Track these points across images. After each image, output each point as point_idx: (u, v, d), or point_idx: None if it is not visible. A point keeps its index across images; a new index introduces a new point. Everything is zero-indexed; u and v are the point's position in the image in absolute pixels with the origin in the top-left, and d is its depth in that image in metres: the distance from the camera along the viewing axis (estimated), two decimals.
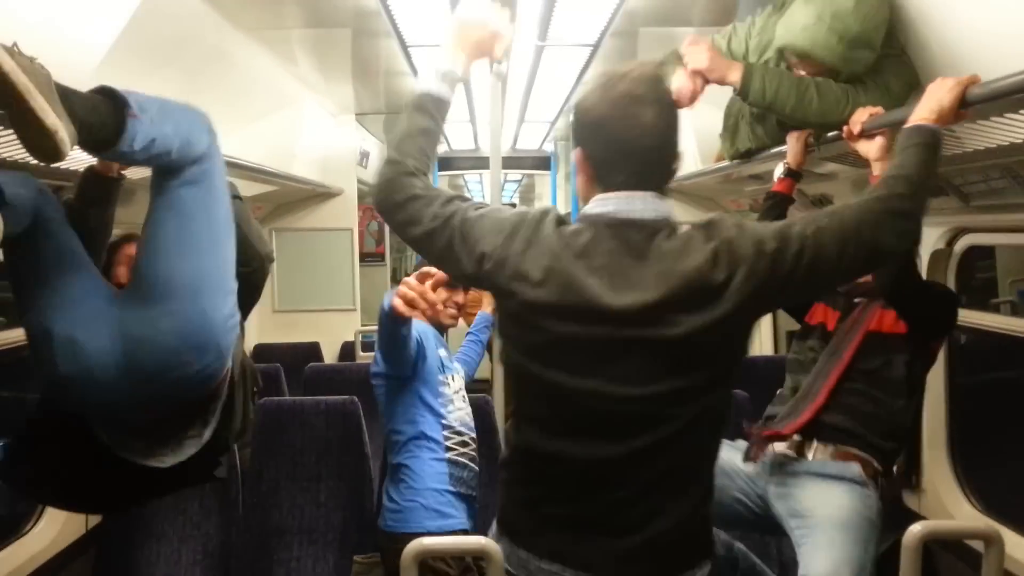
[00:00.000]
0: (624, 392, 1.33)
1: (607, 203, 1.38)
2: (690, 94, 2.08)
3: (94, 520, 2.62)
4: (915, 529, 1.19)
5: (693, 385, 1.34)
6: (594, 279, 1.32)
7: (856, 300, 2.28)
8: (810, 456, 2.12)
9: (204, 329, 1.78)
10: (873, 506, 2.04)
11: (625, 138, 1.37)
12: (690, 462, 1.39)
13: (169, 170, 1.75)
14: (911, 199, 1.43)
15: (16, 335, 2.57)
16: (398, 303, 2.01)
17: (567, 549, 1.38)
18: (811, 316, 2.37)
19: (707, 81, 2.08)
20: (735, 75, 2.04)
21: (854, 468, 2.08)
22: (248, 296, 2.14)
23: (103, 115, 1.59)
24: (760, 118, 2.38)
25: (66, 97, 1.50)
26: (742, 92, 2.05)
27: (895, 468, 2.20)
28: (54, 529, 2.46)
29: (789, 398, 2.26)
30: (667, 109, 1.40)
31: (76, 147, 1.50)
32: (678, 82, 2.09)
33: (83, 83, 2.05)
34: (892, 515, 2.49)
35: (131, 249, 2.15)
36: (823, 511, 2.01)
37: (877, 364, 2.15)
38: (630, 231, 1.35)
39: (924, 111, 1.57)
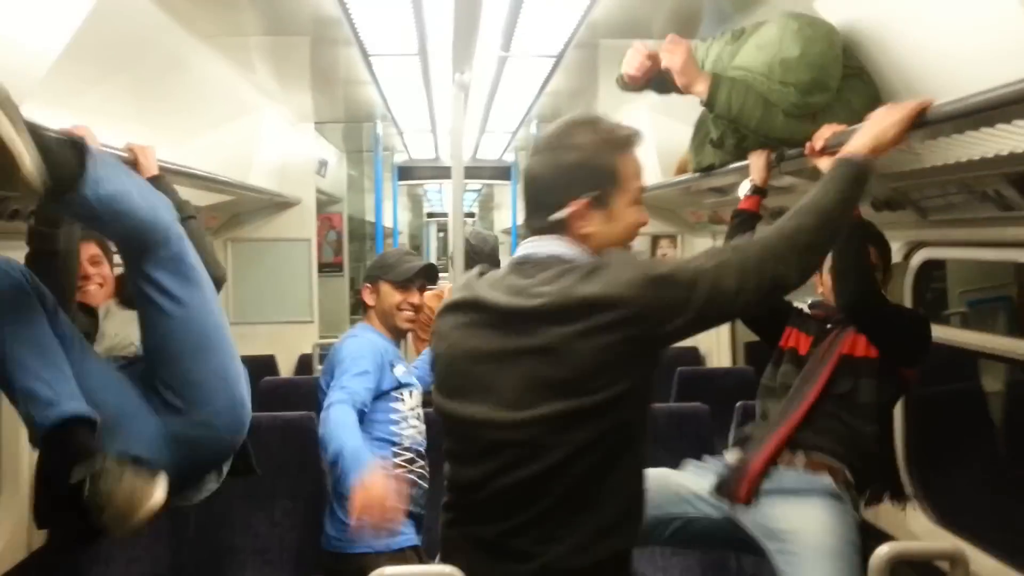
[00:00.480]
0: (505, 417, 1.35)
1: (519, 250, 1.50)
2: (640, 70, 2.14)
3: (37, 542, 2.51)
4: (882, 551, 1.19)
5: (577, 409, 1.32)
6: (492, 292, 1.42)
7: (828, 326, 2.27)
8: (781, 467, 2.08)
9: (241, 408, 1.93)
10: (853, 525, 2.02)
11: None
12: (584, 490, 1.36)
13: (141, 249, 1.78)
14: (818, 233, 1.41)
15: None
16: (354, 516, 1.88)
17: (478, 572, 1.38)
18: (784, 341, 2.36)
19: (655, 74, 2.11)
20: (702, 85, 2.05)
21: (826, 480, 2.05)
22: None
23: (66, 153, 1.57)
24: (721, 138, 2.41)
25: (32, 130, 1.47)
26: (708, 103, 2.07)
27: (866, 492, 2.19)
28: None
29: (761, 424, 2.25)
30: (558, 153, 1.43)
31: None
32: (629, 58, 2.13)
33: (31, 91, 1.99)
34: None
35: (90, 249, 2.21)
36: (805, 535, 1.98)
37: (847, 388, 2.15)
38: (524, 265, 1.44)
39: (861, 141, 1.54)
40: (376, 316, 2.53)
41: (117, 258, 2.19)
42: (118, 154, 2.19)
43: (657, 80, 2.27)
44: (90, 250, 2.28)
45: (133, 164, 2.29)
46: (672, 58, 2.08)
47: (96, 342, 2.17)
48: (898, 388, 2.22)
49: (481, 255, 3.44)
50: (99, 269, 2.32)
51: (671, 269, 1.35)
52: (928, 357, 2.19)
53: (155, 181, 2.23)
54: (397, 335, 2.58)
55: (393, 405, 2.41)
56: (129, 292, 2.28)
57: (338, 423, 2.13)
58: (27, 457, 2.48)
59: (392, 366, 2.45)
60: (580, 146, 1.42)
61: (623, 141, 1.45)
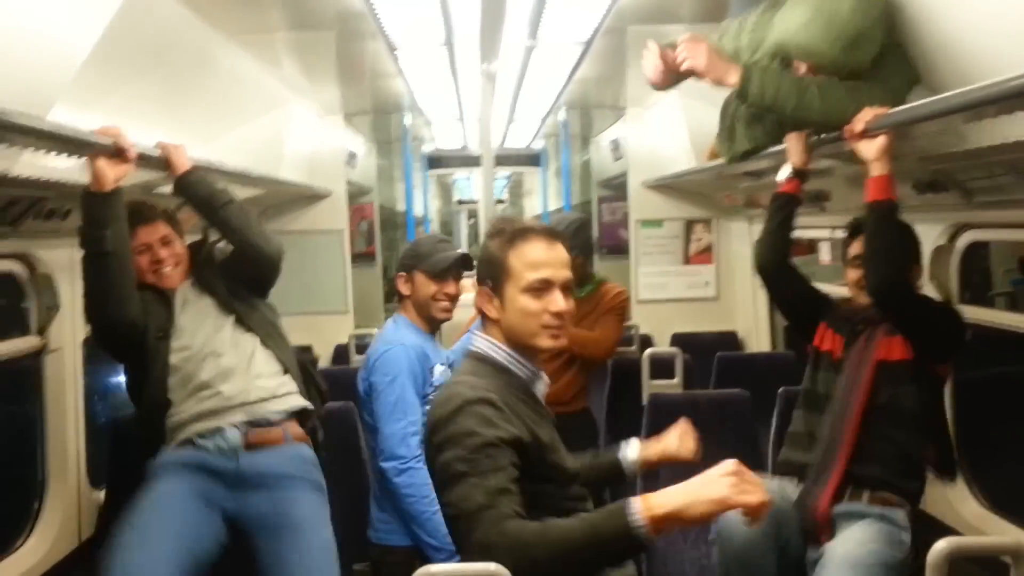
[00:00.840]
0: None
1: None
2: (656, 74, 2.11)
3: (87, 532, 2.56)
4: (940, 546, 1.15)
5: None
6: None
7: (858, 327, 2.23)
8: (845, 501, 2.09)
9: None
10: (895, 544, 2.01)
11: None
12: None
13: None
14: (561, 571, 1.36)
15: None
16: None
17: None
18: (819, 340, 2.34)
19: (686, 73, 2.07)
20: (733, 77, 2.00)
21: (897, 512, 2.06)
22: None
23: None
24: (756, 119, 2.35)
25: None
26: (741, 94, 2.02)
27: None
28: (46, 543, 2.40)
29: (806, 443, 2.23)
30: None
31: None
32: (649, 64, 2.08)
33: (61, 92, 2.00)
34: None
35: (158, 230, 2.30)
36: (838, 545, 1.98)
37: (888, 397, 2.12)
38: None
39: (670, 497, 1.32)
40: (412, 306, 2.49)
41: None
42: (150, 153, 2.21)
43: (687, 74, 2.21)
44: (159, 231, 2.32)
45: (165, 163, 2.31)
46: (694, 59, 2.02)
47: (173, 337, 2.26)
48: (936, 387, 2.19)
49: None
50: (171, 249, 2.36)
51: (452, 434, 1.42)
52: (961, 351, 2.17)
53: (187, 175, 2.26)
54: (433, 325, 2.54)
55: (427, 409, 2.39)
56: (203, 271, 2.40)
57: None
58: (75, 447, 2.53)
59: (430, 370, 2.40)
60: (484, 245, 1.64)
61: (513, 237, 1.58)
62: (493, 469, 1.37)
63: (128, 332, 2.20)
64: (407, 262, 2.52)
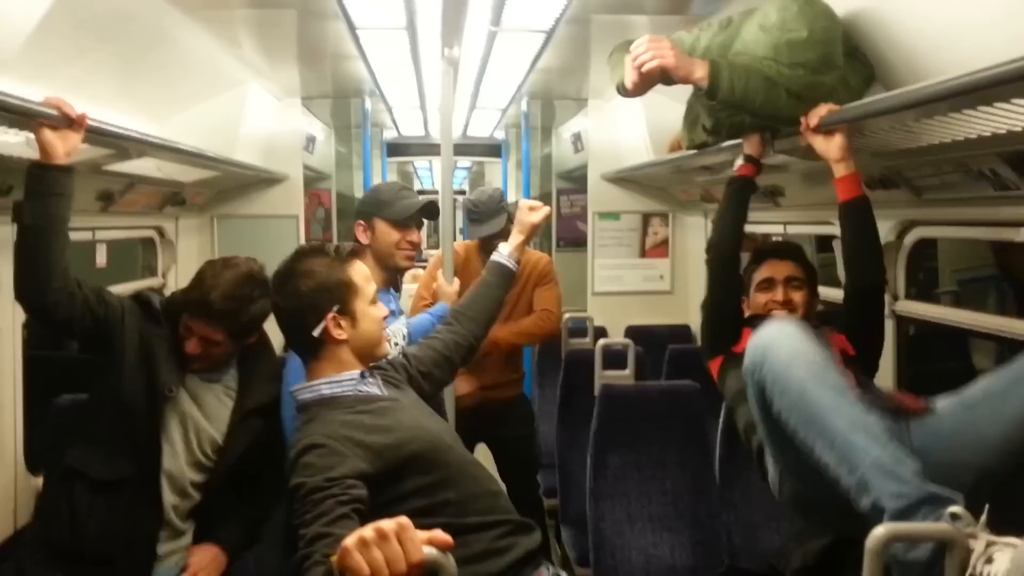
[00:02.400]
0: None
1: None
2: (639, 85, 2.06)
3: (23, 519, 2.48)
4: (879, 532, 1.18)
5: None
6: None
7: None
8: None
9: None
10: None
11: None
12: None
13: None
14: None
15: None
16: None
17: None
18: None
19: (658, 76, 2.05)
20: (700, 72, 1.99)
21: None
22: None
23: None
24: (716, 126, 2.37)
25: None
26: (710, 90, 2.00)
27: None
28: None
29: None
30: (297, 283, 1.77)
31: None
32: (628, 74, 2.07)
33: (6, 64, 1.93)
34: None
35: (200, 328, 2.14)
36: None
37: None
38: None
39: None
40: (371, 255, 2.38)
41: None
42: (102, 128, 2.12)
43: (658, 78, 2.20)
44: (199, 330, 2.15)
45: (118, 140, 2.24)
46: (663, 58, 2.01)
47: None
48: None
49: (486, 212, 3.33)
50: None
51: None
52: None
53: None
54: (393, 274, 2.48)
55: None
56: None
57: None
58: (12, 436, 2.45)
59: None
60: (310, 273, 1.72)
61: (347, 254, 1.76)
62: (315, 515, 1.42)
63: (58, 321, 2.02)
64: (367, 209, 2.46)
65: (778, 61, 1.96)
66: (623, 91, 2.19)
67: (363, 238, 2.44)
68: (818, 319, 2.27)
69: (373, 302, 1.78)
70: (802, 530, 2.25)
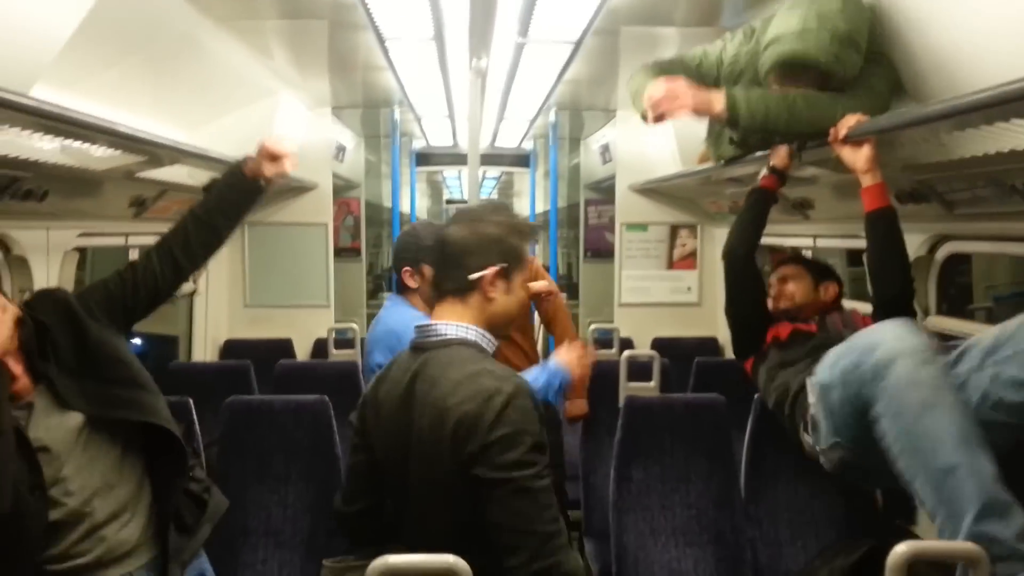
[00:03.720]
0: None
1: None
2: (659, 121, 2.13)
3: None
4: (900, 549, 1.16)
5: None
6: None
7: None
8: None
9: None
10: None
11: None
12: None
13: None
14: None
15: None
16: None
17: None
18: (778, 331, 2.42)
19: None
20: (719, 106, 2.04)
21: None
22: None
23: None
24: (744, 138, 2.39)
25: None
26: (730, 120, 2.04)
27: None
28: None
29: None
30: (479, 226, 1.64)
31: None
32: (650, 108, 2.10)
33: (42, 72, 1.98)
34: (870, 519, 2.50)
35: None
36: None
37: None
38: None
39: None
40: (420, 298, 2.47)
41: None
42: (137, 136, 2.16)
43: None
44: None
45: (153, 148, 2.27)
46: (682, 106, 2.05)
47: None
48: None
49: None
50: None
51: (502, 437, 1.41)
52: None
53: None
54: None
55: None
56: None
57: None
58: None
59: None
60: (498, 223, 1.64)
61: (527, 230, 1.69)
62: (546, 485, 1.39)
63: None
64: (412, 255, 2.49)
65: (805, 29, 1.95)
66: (645, 120, 2.22)
67: (411, 283, 2.49)
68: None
69: (526, 291, 1.71)
70: (827, 548, 2.23)
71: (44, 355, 1.76)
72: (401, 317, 2.38)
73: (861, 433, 1.70)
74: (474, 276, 1.60)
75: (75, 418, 1.76)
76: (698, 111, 2.04)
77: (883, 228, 2.07)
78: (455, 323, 1.61)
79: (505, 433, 1.38)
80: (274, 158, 2.15)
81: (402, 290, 2.53)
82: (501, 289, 1.62)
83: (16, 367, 1.73)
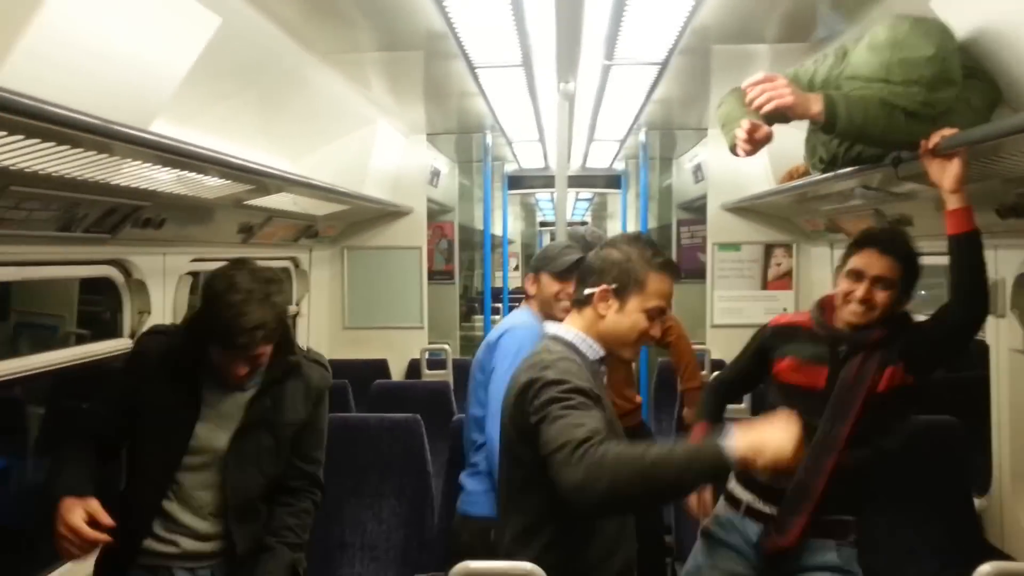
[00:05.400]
0: None
1: None
2: (760, 139, 2.08)
3: None
4: (984, 570, 1.11)
5: None
6: None
7: (841, 348, 2.16)
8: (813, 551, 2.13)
9: None
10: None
11: None
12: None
13: None
14: (643, 485, 1.49)
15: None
16: None
17: None
18: (786, 374, 2.27)
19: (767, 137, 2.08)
20: (816, 107, 1.96)
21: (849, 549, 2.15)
22: None
23: None
24: (833, 158, 2.34)
25: None
26: (827, 124, 1.97)
27: None
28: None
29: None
30: (610, 251, 1.83)
31: None
32: (739, 139, 2.08)
33: (163, 106, 2.15)
34: (963, 542, 2.39)
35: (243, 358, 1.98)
36: None
37: (876, 430, 2.09)
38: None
39: (745, 440, 1.45)
40: (536, 304, 2.66)
41: None
42: (245, 166, 2.29)
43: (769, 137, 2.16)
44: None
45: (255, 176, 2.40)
46: (781, 97, 1.98)
47: None
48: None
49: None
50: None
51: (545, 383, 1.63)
52: None
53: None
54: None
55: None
56: None
57: None
58: None
59: None
60: (624, 251, 1.80)
61: (659, 264, 1.79)
62: (586, 408, 1.56)
63: None
64: (536, 264, 2.72)
65: (890, 81, 1.90)
66: (734, 152, 2.18)
67: (531, 289, 2.68)
68: (852, 346, 2.14)
69: (651, 317, 1.79)
70: None
71: None
72: (509, 320, 2.69)
73: None
74: (587, 292, 1.80)
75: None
76: (796, 111, 1.99)
77: (967, 253, 1.97)
78: (565, 326, 1.83)
79: (548, 380, 1.62)
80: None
81: (527, 296, 2.74)
82: (612, 308, 1.78)
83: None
